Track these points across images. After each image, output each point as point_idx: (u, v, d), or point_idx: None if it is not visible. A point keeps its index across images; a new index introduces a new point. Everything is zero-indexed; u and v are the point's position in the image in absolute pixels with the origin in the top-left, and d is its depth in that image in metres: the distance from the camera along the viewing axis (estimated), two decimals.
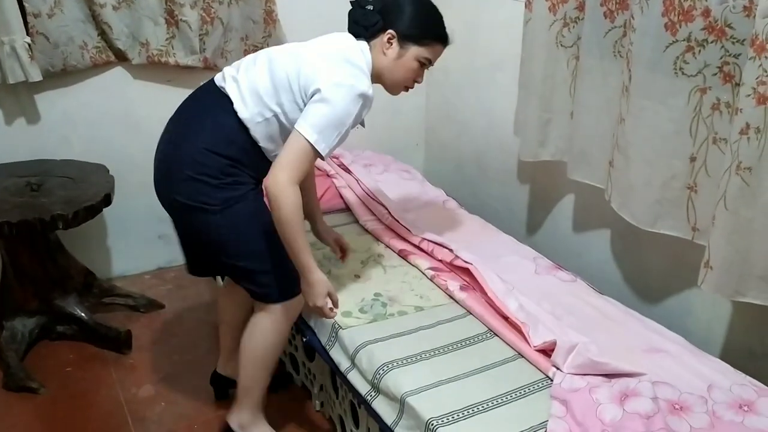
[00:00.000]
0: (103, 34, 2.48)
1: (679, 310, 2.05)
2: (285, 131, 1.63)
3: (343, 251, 2.04)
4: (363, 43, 1.68)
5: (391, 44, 1.67)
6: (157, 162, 1.73)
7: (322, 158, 1.60)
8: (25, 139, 2.49)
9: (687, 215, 1.87)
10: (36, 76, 2.31)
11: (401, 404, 1.54)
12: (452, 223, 2.38)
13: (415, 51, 1.68)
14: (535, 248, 2.26)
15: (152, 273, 2.87)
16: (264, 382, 1.83)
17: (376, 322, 1.81)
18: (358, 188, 2.52)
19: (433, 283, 2.01)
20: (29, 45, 2.28)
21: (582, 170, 2.23)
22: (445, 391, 1.55)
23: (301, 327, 1.92)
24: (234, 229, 1.66)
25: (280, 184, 1.52)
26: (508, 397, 1.54)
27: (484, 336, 1.77)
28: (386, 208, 2.35)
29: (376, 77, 1.70)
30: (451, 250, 2.07)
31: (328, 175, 2.61)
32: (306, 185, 1.81)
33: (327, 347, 1.81)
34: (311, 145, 1.54)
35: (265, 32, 2.68)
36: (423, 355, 1.68)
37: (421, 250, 2.16)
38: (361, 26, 1.68)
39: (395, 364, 1.63)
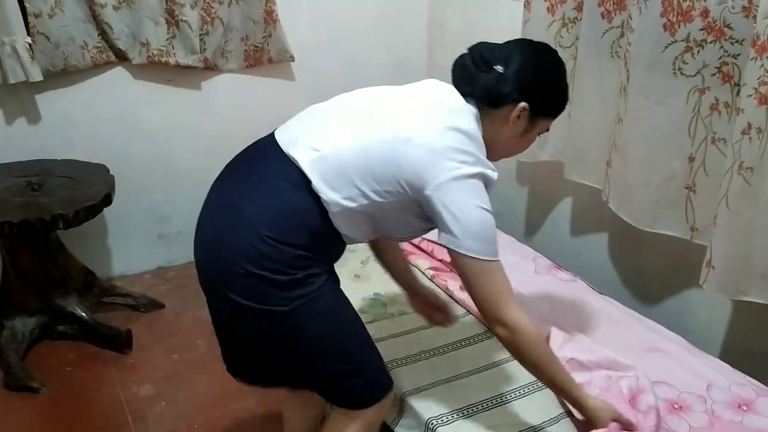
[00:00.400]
0: (103, 34, 2.48)
1: (678, 310, 2.05)
2: (374, 220, 1.32)
3: (446, 314, 1.71)
4: (472, 108, 1.32)
5: (519, 117, 1.33)
6: (203, 245, 1.34)
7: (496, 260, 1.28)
8: (25, 139, 2.49)
9: (686, 215, 1.87)
10: (37, 76, 2.31)
11: (401, 404, 1.54)
12: None
13: (544, 124, 1.39)
14: (534, 248, 2.26)
15: (152, 272, 2.86)
16: None
17: (376, 322, 1.81)
18: None
19: (433, 282, 2.01)
20: (30, 45, 2.28)
21: (579, 171, 2.23)
22: (444, 391, 1.56)
23: None
24: (310, 332, 1.31)
25: (510, 329, 1.26)
26: (508, 397, 1.55)
27: (483, 336, 1.77)
28: None
29: (486, 146, 1.32)
30: None
31: None
32: (388, 245, 1.63)
33: None
34: (488, 260, 1.26)
35: (265, 32, 2.68)
36: (423, 355, 1.68)
37: (421, 250, 2.16)
38: (486, 91, 1.31)
39: (395, 364, 1.64)
